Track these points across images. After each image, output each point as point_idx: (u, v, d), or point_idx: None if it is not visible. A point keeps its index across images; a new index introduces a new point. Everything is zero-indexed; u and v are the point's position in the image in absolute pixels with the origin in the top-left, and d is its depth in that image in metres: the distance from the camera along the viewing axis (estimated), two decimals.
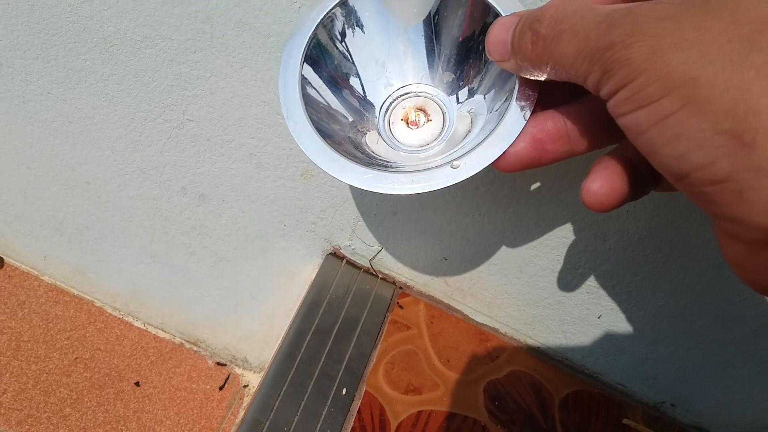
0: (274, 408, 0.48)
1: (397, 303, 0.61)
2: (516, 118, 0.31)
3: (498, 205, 0.52)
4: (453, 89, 0.39)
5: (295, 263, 0.68)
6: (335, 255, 0.64)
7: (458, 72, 0.38)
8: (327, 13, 0.36)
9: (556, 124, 0.31)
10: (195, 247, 0.73)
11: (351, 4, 0.36)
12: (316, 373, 0.52)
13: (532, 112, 0.31)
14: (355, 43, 0.38)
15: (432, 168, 0.32)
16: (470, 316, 0.63)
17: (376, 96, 0.39)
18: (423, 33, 0.38)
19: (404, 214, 0.57)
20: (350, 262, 0.64)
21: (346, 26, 0.37)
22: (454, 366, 0.57)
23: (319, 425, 0.48)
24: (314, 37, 0.36)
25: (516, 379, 0.58)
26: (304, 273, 0.68)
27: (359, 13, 0.37)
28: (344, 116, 0.38)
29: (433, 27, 0.37)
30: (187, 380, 0.87)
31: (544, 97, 0.32)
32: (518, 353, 0.61)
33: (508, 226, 0.53)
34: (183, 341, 0.90)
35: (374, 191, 0.32)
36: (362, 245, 0.62)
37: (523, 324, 0.61)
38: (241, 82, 0.52)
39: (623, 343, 0.58)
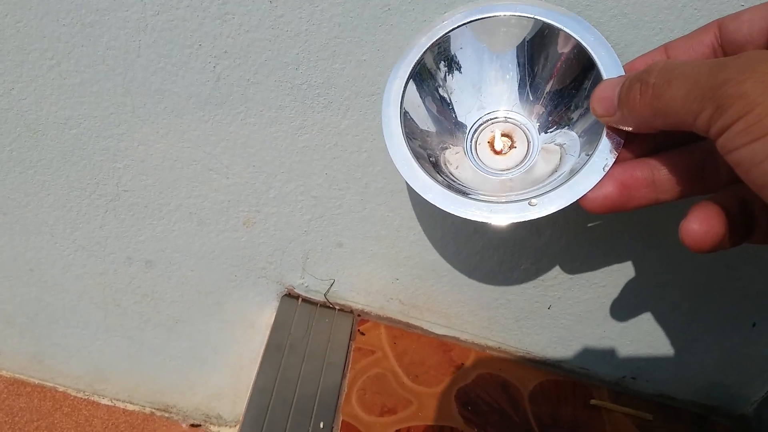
0: None
1: (358, 330, 0.63)
2: (601, 162, 0.34)
3: (435, 220, 0.54)
4: (542, 121, 0.41)
5: (253, 311, 0.69)
6: (290, 295, 0.65)
7: (548, 107, 0.40)
8: (435, 41, 0.39)
9: (643, 172, 0.33)
10: (150, 314, 0.73)
11: (451, 35, 0.39)
12: (291, 413, 0.53)
13: (619, 160, 0.34)
14: (455, 68, 0.41)
15: (512, 202, 0.35)
16: (430, 329, 0.65)
17: (468, 118, 0.42)
18: (516, 60, 0.40)
19: (349, 245, 0.58)
20: (306, 300, 0.65)
21: (448, 53, 0.40)
22: (423, 380, 0.59)
23: None
24: (421, 61, 0.39)
25: (484, 382, 0.60)
26: (263, 319, 0.69)
27: (458, 42, 0.40)
28: (430, 131, 0.40)
29: (525, 55, 0.40)
30: None
31: (630, 147, 0.34)
32: (482, 357, 0.63)
33: (449, 239, 0.55)
34: (153, 410, 0.89)
35: (459, 215, 0.35)
36: (314, 281, 0.63)
37: (481, 328, 0.63)
38: (169, 146, 0.53)
39: (576, 328, 0.61)
